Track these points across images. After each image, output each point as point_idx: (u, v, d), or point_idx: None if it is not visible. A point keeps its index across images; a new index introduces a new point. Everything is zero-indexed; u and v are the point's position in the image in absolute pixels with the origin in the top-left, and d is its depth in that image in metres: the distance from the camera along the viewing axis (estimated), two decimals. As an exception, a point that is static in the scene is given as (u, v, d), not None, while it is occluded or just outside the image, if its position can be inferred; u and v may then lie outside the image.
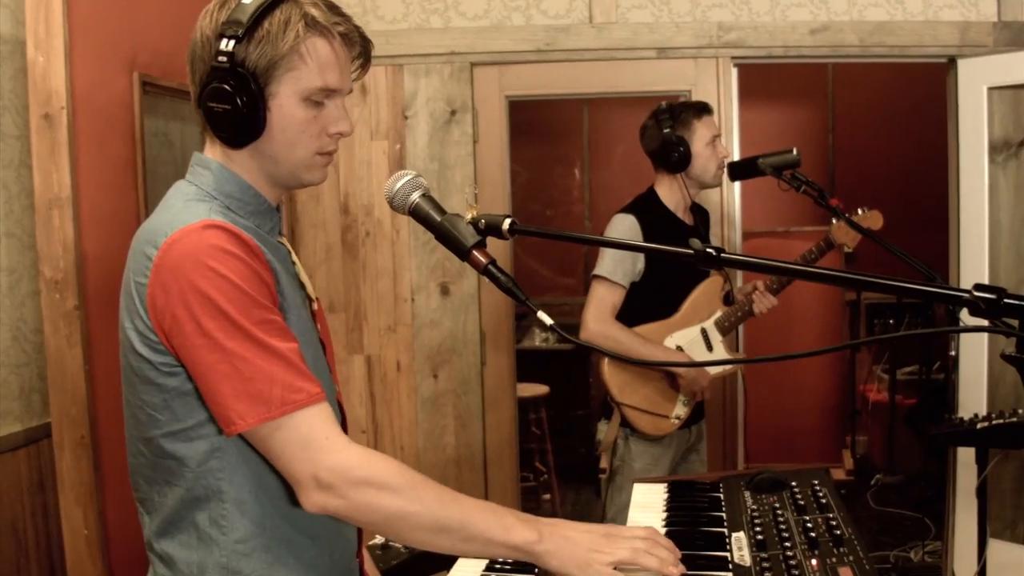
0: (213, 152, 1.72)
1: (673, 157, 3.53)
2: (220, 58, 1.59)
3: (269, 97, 1.63)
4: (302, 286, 1.82)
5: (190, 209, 1.61)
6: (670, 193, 3.62)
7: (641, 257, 3.49)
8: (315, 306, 1.86)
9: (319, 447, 1.54)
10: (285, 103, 1.64)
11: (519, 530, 1.57)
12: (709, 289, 3.64)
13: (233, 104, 1.61)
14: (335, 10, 1.68)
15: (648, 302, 3.52)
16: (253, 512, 1.63)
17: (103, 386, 2.96)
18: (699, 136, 3.55)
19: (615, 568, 1.58)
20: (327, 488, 1.53)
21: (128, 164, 3.11)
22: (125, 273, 1.65)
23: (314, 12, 1.63)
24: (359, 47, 1.72)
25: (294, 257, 1.84)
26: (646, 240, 3.42)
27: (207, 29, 1.64)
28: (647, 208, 3.59)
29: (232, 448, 1.60)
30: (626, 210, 3.58)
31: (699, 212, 3.78)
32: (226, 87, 1.60)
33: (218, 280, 1.51)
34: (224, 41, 1.59)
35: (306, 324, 1.73)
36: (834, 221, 3.55)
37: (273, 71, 1.61)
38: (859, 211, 3.58)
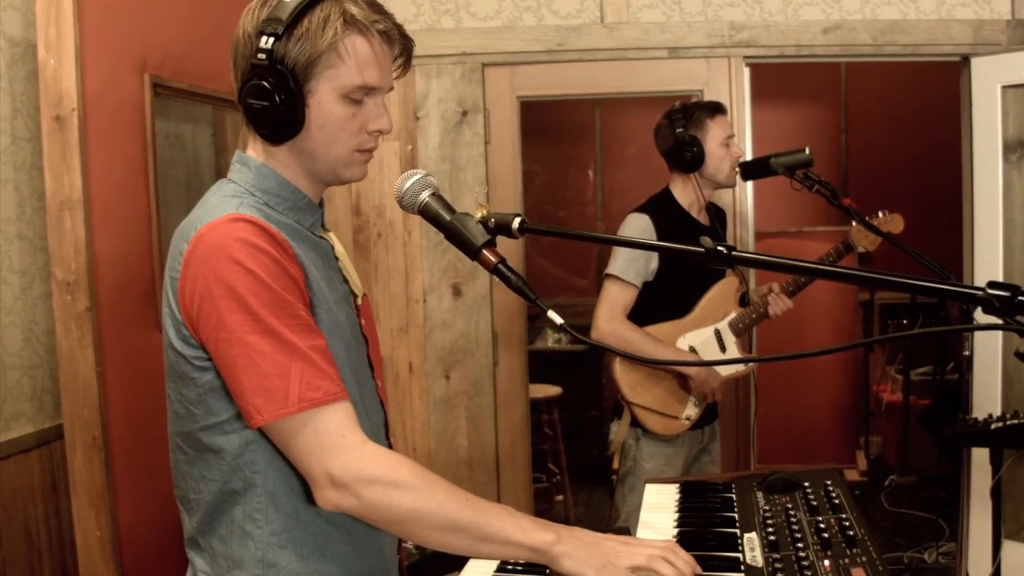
0: (254, 148, 1.74)
1: (686, 157, 3.52)
2: (260, 55, 1.61)
3: (308, 94, 1.64)
4: (346, 280, 1.83)
5: (223, 204, 1.63)
6: (684, 193, 3.61)
7: (654, 256, 3.47)
8: (360, 300, 1.87)
9: (334, 445, 1.54)
10: (324, 100, 1.65)
11: (536, 531, 1.57)
12: (724, 290, 3.63)
13: (272, 101, 1.62)
14: (375, 8, 1.68)
15: (662, 302, 3.51)
16: (287, 505, 1.64)
17: (115, 387, 2.96)
18: (712, 136, 3.54)
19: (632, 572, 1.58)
20: (341, 486, 1.53)
21: (139, 166, 3.12)
22: (166, 272, 1.66)
23: (353, 10, 1.64)
24: (399, 45, 1.72)
25: (338, 252, 1.85)
26: (660, 240, 3.40)
27: (248, 26, 1.66)
28: (662, 207, 3.58)
29: (265, 441, 1.61)
30: (640, 209, 3.57)
31: (716, 212, 3.76)
32: (265, 84, 1.61)
33: (243, 274, 1.52)
34: (264, 38, 1.61)
35: (346, 318, 1.74)
36: (853, 224, 3.53)
37: (312, 68, 1.63)
38: (880, 214, 3.55)
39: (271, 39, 1.60)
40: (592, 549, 1.58)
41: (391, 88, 1.74)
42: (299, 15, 1.61)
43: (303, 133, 1.66)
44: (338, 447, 1.54)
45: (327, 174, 1.74)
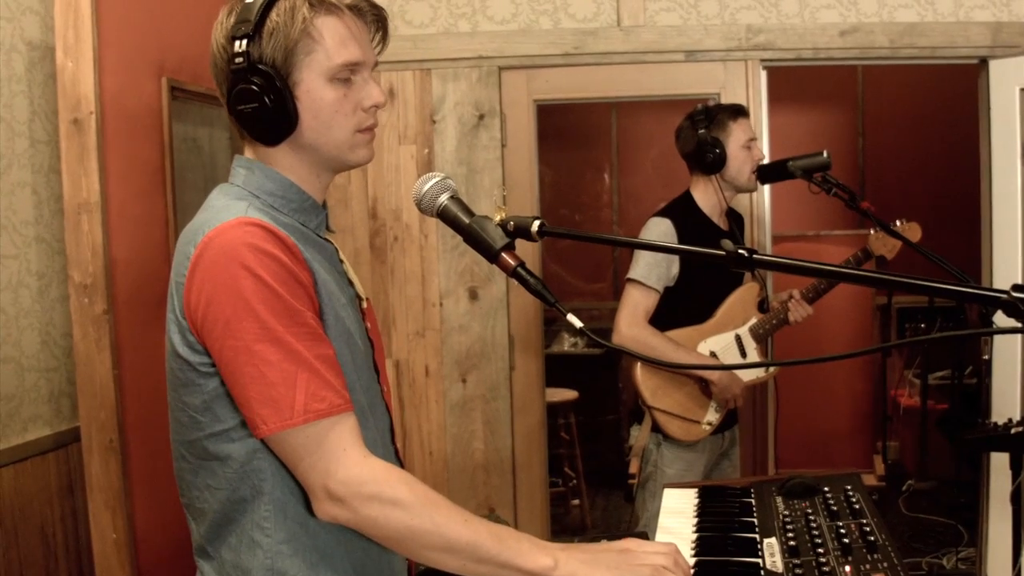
0: (253, 156, 1.73)
1: (708, 158, 3.50)
2: (237, 59, 1.61)
3: (294, 86, 1.63)
4: (350, 283, 1.81)
5: (230, 208, 1.60)
6: (705, 197, 3.59)
7: (676, 261, 3.46)
8: (364, 304, 1.85)
9: (334, 458, 1.52)
10: (312, 88, 1.64)
11: (533, 556, 1.54)
12: (744, 295, 3.61)
13: (261, 101, 1.61)
14: None
15: (683, 307, 3.50)
16: (295, 513, 1.62)
17: (132, 390, 2.96)
18: (734, 138, 3.52)
19: None
20: (337, 500, 1.52)
21: (157, 169, 3.12)
22: (171, 276, 1.64)
23: None
24: (372, 16, 1.72)
25: (342, 255, 1.83)
26: (682, 244, 3.39)
27: (220, 37, 1.66)
28: (683, 212, 3.57)
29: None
30: (662, 213, 3.56)
31: (734, 217, 3.74)
32: (250, 87, 1.61)
33: (252, 280, 1.50)
34: (237, 43, 1.61)
35: (353, 323, 1.71)
36: (872, 231, 3.52)
37: (291, 59, 1.62)
38: (897, 222, 3.53)
39: (244, 41, 1.60)
40: (592, 569, 1.54)
41: (376, 63, 1.73)
42: (265, 11, 1.61)
43: (298, 127, 1.65)
44: (339, 461, 1.52)
45: (333, 162, 1.73)
